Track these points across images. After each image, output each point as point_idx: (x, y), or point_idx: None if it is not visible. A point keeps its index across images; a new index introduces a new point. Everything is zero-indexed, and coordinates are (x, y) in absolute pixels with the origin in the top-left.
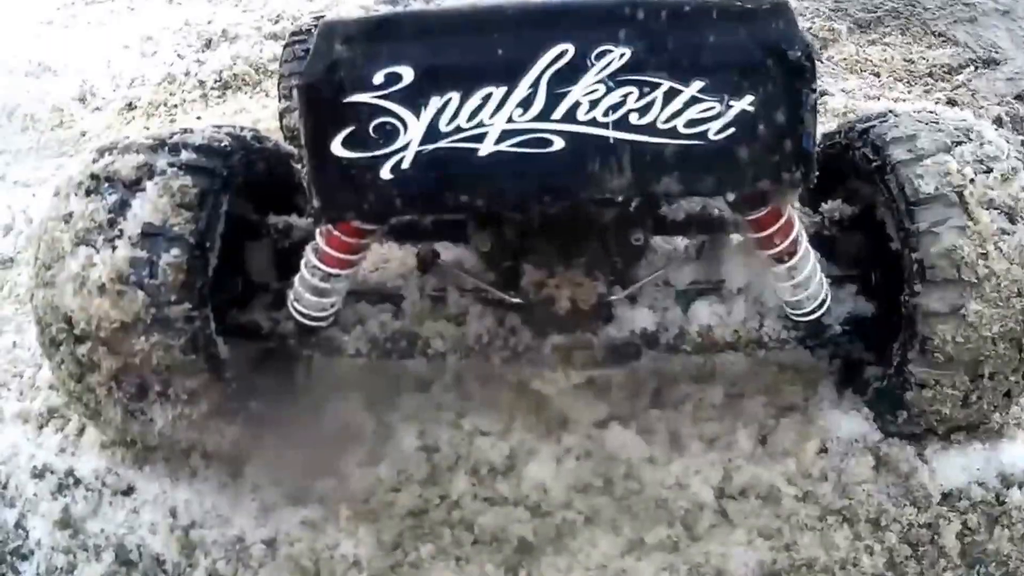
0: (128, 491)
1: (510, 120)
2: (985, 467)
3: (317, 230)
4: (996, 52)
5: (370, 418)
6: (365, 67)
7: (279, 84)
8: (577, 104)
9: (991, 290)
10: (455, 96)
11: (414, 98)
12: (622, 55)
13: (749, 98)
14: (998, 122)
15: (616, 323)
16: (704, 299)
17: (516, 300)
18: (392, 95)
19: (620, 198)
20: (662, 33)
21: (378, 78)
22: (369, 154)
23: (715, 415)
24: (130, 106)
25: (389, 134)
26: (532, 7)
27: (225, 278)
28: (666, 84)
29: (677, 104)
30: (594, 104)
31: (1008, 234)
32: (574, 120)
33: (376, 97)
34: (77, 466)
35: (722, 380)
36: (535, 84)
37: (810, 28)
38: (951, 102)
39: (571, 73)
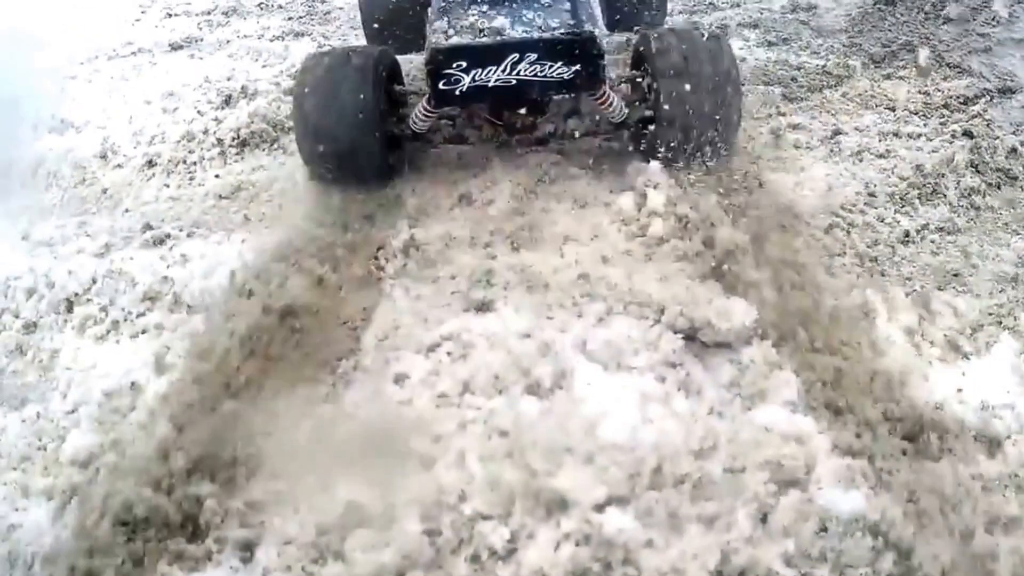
0: None
1: (498, 77)
2: None
3: (424, 99)
4: (1011, 81)
5: (376, 498)
6: (453, 59)
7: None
8: (520, 70)
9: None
10: (478, 71)
11: (467, 71)
12: (536, 55)
13: (577, 67)
14: (1013, 152)
15: (539, 129)
16: (574, 117)
17: (501, 124)
18: (457, 67)
19: (537, 99)
20: (548, 48)
21: (457, 63)
22: (452, 87)
23: (715, 493)
24: (150, 163)
25: (459, 80)
26: (510, 40)
27: (392, 114)
28: (549, 63)
29: (553, 70)
30: (526, 70)
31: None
32: (520, 76)
33: (455, 69)
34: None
35: (724, 454)
36: (504, 67)
37: (824, 65)
38: (967, 133)
39: (517, 62)
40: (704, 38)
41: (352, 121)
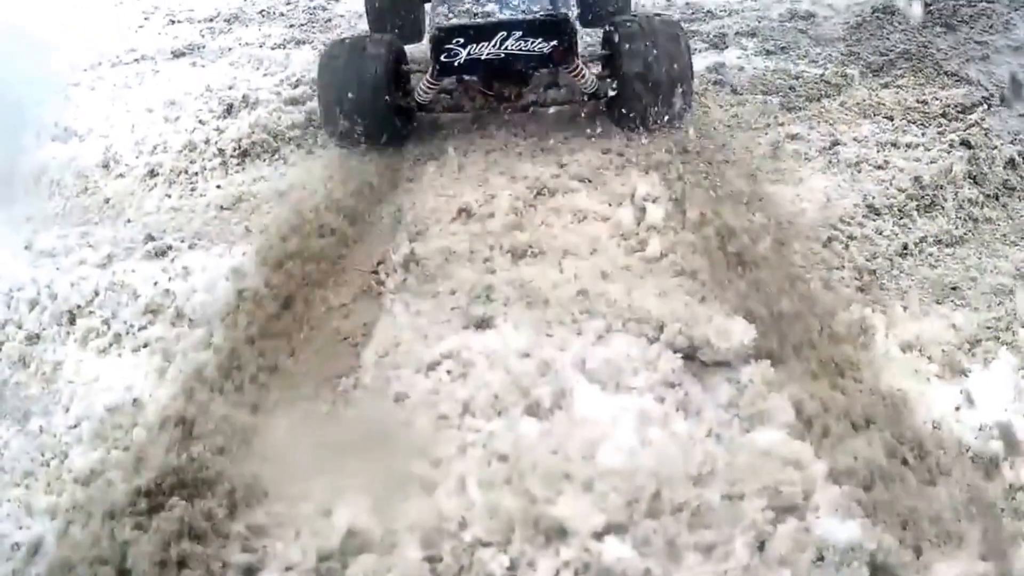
0: None
1: (489, 51)
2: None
3: (428, 73)
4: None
5: (376, 524)
6: (452, 36)
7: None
8: (507, 46)
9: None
10: (473, 46)
11: (464, 46)
12: (520, 33)
13: (554, 42)
14: (1011, 162)
15: (523, 98)
16: (552, 88)
17: (491, 94)
18: (456, 43)
19: (521, 70)
20: (530, 27)
21: (456, 39)
22: (452, 59)
23: (713, 520)
24: (152, 173)
25: (457, 54)
26: (499, 21)
27: (398, 89)
28: (531, 40)
29: (534, 45)
30: (512, 45)
31: None
32: (507, 50)
33: (454, 44)
34: None
35: (722, 479)
36: (495, 43)
37: (822, 74)
38: (965, 143)
39: (504, 39)
40: (660, 21)
41: (368, 88)
